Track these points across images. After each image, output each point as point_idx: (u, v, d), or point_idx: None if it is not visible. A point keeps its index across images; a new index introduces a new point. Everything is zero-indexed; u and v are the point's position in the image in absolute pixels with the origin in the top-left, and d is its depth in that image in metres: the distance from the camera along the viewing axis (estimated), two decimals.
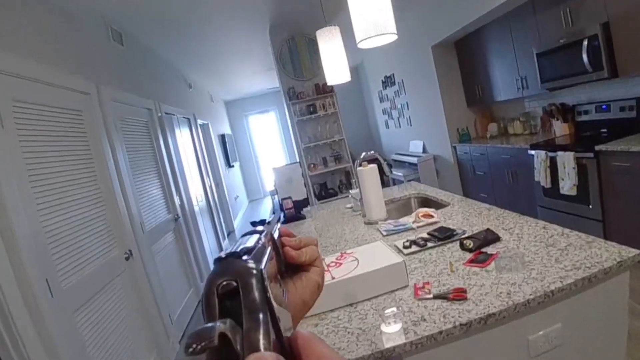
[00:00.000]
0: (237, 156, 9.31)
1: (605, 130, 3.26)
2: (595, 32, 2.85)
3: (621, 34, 2.76)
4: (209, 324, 0.22)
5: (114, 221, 2.54)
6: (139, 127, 3.38)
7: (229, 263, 0.28)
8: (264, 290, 0.26)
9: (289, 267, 0.43)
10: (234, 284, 0.26)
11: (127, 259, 2.58)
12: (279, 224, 0.45)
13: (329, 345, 0.29)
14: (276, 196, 3.62)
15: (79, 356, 1.90)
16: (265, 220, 0.43)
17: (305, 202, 2.74)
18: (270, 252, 0.34)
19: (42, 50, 2.20)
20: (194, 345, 0.20)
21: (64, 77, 2.31)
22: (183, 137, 4.78)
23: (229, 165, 7.82)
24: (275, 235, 0.41)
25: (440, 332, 0.99)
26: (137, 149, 3.23)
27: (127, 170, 2.85)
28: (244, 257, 0.29)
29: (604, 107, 3.32)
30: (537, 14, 3.49)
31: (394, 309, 1.05)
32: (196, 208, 4.61)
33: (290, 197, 2.64)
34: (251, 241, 0.32)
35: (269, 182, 9.24)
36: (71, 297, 1.95)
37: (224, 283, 0.26)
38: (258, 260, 0.29)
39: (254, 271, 0.27)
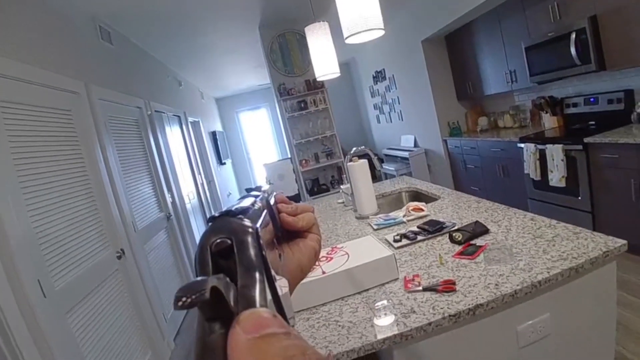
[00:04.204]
0: (229, 153, 9.27)
1: (593, 122, 3.29)
2: (583, 25, 2.87)
3: (609, 27, 2.79)
4: (201, 277, 0.20)
5: (105, 220, 2.52)
6: (129, 125, 3.35)
7: (223, 221, 0.27)
8: (259, 248, 0.25)
9: (286, 234, 0.42)
10: (229, 241, 0.25)
11: (119, 258, 2.56)
12: (274, 192, 0.44)
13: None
14: None
15: (73, 357, 1.89)
16: (260, 186, 0.42)
17: (297, 198, 2.74)
18: (265, 215, 0.33)
19: (30, 49, 2.17)
20: (184, 298, 0.19)
21: (52, 76, 2.28)
22: (174, 135, 4.75)
23: (220, 162, 7.79)
24: (272, 202, 0.40)
25: (430, 324, 1.00)
26: (128, 147, 3.20)
27: (117, 169, 2.83)
28: (239, 216, 0.28)
29: (592, 99, 3.35)
30: (526, 7, 3.51)
31: (385, 301, 1.06)
32: (188, 206, 4.59)
33: (282, 193, 2.64)
34: (246, 202, 0.31)
35: (261, 178, 9.21)
36: (64, 298, 1.94)
37: (218, 240, 0.25)
38: (253, 220, 0.28)
39: (250, 229, 0.26)
